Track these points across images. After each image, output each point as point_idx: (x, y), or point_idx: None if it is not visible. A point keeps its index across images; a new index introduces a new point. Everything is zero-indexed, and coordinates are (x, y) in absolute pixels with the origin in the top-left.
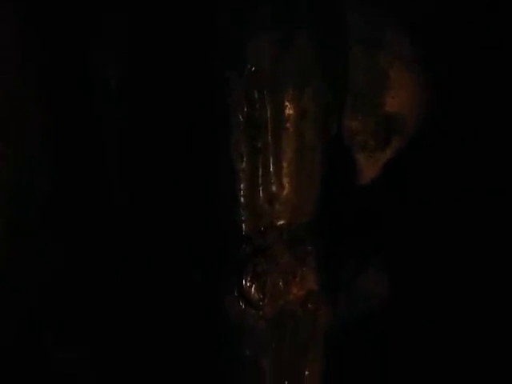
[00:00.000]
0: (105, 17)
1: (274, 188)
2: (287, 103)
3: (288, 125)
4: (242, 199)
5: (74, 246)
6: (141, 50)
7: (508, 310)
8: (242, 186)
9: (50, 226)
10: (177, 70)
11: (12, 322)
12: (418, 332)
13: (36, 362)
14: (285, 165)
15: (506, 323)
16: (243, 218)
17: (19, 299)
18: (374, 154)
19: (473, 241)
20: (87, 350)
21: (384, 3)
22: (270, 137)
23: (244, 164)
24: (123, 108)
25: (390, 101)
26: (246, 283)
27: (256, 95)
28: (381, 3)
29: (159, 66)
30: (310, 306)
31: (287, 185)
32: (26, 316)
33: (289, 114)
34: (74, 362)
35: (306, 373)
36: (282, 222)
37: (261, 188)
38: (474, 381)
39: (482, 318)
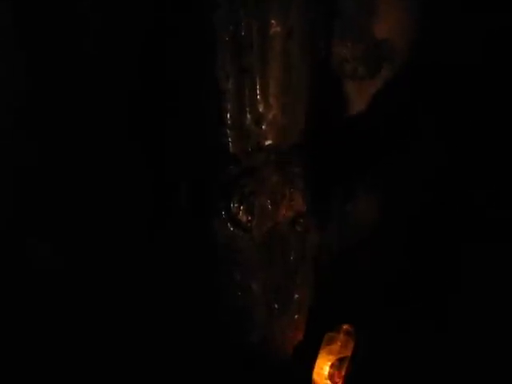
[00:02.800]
0: None
1: (260, 108)
2: (273, 21)
3: (274, 43)
4: (229, 120)
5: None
6: None
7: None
8: (228, 106)
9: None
10: None
11: None
12: (411, 261)
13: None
14: (271, 84)
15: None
16: (230, 139)
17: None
18: (363, 82)
19: (464, 169)
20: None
21: None
22: (255, 56)
23: (230, 84)
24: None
25: (379, 26)
26: (233, 205)
27: (241, 13)
28: None
29: None
30: (298, 228)
31: (274, 105)
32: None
33: (275, 32)
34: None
35: (296, 296)
36: (269, 143)
37: (248, 108)
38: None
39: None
